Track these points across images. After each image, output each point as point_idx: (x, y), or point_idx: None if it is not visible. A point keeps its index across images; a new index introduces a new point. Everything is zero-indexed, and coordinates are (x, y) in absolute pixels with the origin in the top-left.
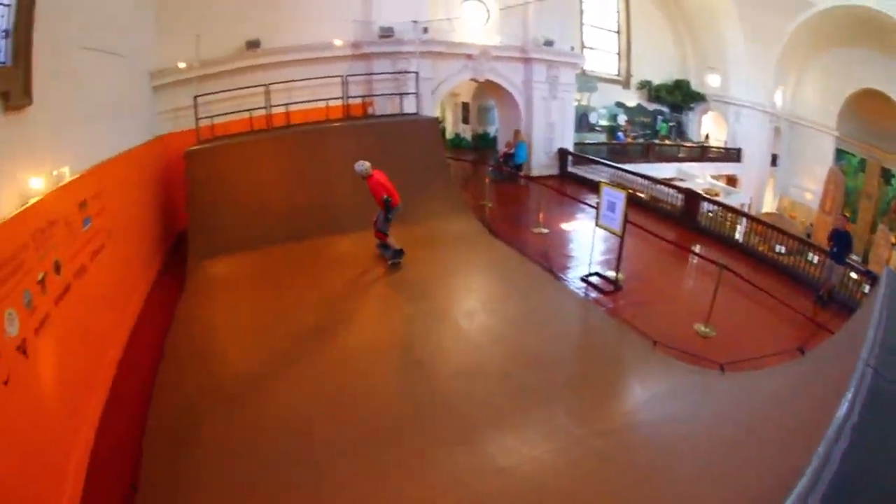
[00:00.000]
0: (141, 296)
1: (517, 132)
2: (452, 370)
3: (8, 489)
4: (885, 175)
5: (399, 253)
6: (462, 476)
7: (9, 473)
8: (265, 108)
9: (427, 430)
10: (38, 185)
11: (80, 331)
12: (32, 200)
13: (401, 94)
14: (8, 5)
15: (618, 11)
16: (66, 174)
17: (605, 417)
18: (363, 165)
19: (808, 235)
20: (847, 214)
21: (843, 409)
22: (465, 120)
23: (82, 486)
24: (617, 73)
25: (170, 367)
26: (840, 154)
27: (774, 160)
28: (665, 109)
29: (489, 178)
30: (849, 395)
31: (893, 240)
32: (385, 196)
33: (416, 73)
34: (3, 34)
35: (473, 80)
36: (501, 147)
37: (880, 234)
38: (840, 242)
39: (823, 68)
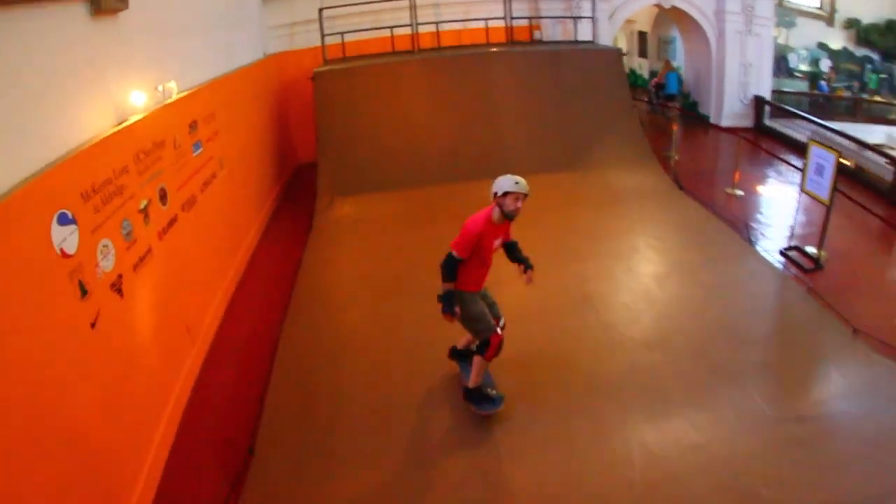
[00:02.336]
0: (254, 236)
1: (667, 62)
2: (641, 337)
3: (90, 438)
4: None
5: (489, 401)
6: (653, 449)
7: (92, 424)
8: (410, 25)
9: (615, 397)
10: (139, 100)
11: (185, 270)
12: (134, 118)
13: (574, 19)
14: None
15: None
16: (174, 90)
17: (802, 403)
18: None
19: None
20: None
21: None
22: (643, 53)
23: (172, 441)
24: (818, 5)
25: (297, 321)
26: None
27: None
28: (875, 57)
29: (675, 125)
30: None
31: None
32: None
33: None
34: None
35: (658, 6)
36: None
37: None
38: None
39: None
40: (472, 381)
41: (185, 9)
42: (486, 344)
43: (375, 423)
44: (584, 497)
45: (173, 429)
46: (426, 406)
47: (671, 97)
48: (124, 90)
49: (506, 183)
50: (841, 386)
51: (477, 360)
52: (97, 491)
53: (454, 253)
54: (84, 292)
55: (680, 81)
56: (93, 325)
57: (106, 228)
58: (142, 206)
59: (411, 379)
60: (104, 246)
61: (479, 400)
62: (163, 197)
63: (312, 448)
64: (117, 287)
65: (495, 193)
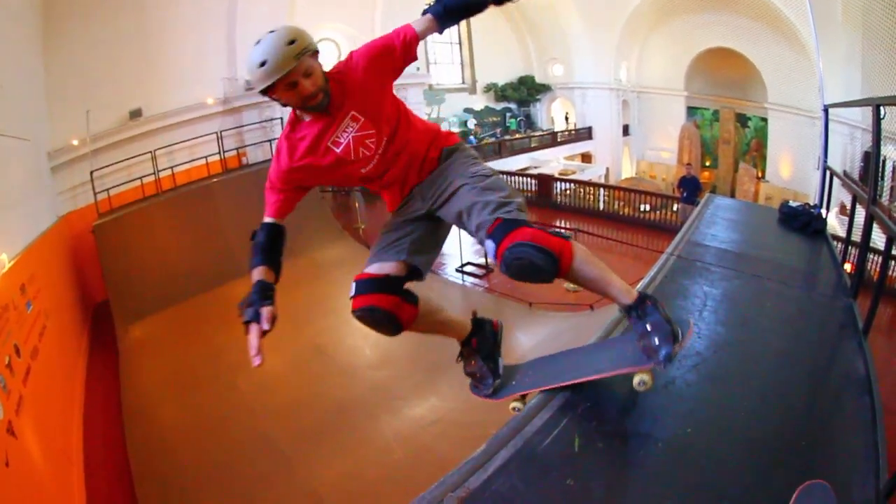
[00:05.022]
0: (83, 368)
1: None
2: (370, 363)
3: None
4: (741, 120)
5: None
6: (405, 433)
7: None
8: (154, 173)
9: (363, 410)
10: None
11: (48, 406)
12: None
13: (270, 141)
14: None
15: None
16: (6, 261)
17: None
18: None
19: (674, 189)
20: (690, 163)
21: (647, 279)
22: None
23: None
24: (462, 81)
25: (134, 420)
26: (692, 111)
27: (626, 130)
28: (512, 106)
29: (357, 203)
30: (653, 272)
31: (759, 174)
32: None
33: (281, 118)
34: None
35: None
36: None
37: (742, 172)
38: (688, 187)
39: (664, 40)
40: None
41: (5, 188)
42: None
43: (229, 487)
44: (369, 482)
45: None
46: (252, 460)
47: None
48: None
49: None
50: (529, 343)
51: None
52: None
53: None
54: None
55: None
56: (7, 465)
57: None
58: (7, 362)
59: (244, 446)
60: None
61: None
62: (17, 351)
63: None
64: (11, 431)
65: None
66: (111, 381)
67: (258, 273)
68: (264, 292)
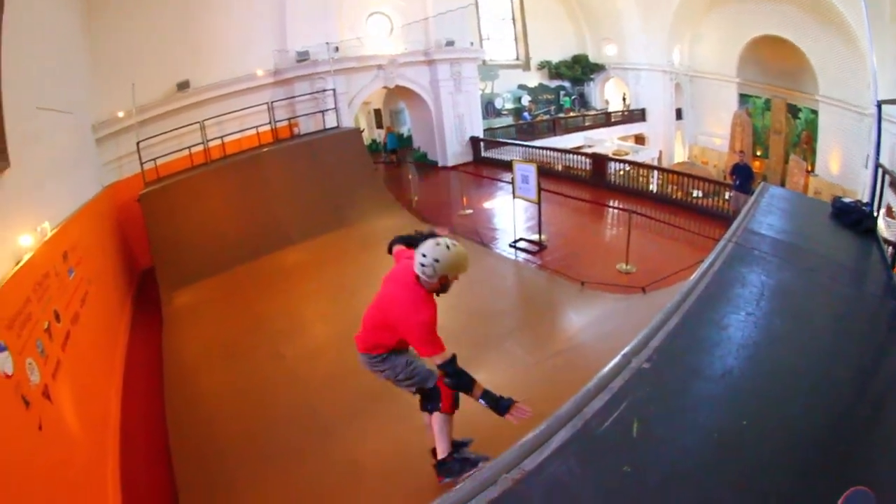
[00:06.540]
0: (125, 334)
1: (388, 127)
2: None
3: None
4: (792, 110)
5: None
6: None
7: None
8: (202, 143)
9: None
10: (28, 241)
11: (86, 371)
12: (27, 257)
13: (322, 112)
14: None
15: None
16: (48, 229)
17: (552, 344)
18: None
19: (725, 176)
20: (743, 151)
21: (706, 263)
22: (380, 125)
23: None
24: (516, 57)
25: (174, 386)
26: (744, 98)
27: (679, 114)
28: (566, 84)
29: (411, 174)
30: (712, 257)
31: (808, 168)
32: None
33: (333, 89)
34: None
35: (385, 87)
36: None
37: (793, 164)
38: (741, 175)
39: (717, 24)
40: (440, 450)
41: (49, 159)
42: (437, 393)
43: (266, 455)
44: (411, 457)
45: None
46: (292, 429)
47: (393, 151)
48: (16, 234)
49: (455, 263)
50: (579, 323)
51: (436, 418)
52: None
53: (439, 356)
54: (27, 403)
55: (399, 138)
56: (40, 428)
57: (28, 349)
58: (45, 327)
59: (284, 416)
60: (29, 364)
61: (461, 468)
62: (57, 317)
63: (222, 483)
64: (46, 395)
65: (443, 276)
66: (153, 348)
67: (481, 386)
68: (499, 397)
